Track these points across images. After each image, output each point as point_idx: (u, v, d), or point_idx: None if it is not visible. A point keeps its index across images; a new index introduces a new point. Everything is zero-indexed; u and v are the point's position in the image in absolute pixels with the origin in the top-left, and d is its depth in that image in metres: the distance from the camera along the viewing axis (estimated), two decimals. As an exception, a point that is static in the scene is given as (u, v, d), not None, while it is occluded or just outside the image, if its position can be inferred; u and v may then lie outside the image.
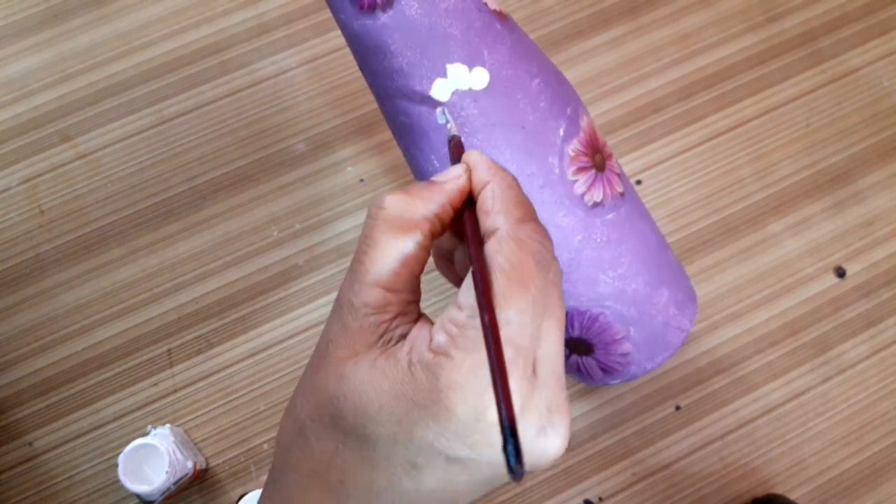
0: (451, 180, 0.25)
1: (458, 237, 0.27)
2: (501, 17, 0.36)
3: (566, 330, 0.41)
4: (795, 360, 0.52)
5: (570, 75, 0.59)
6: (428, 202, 0.24)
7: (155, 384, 0.52)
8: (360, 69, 0.38)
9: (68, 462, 0.50)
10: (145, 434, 0.47)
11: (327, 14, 0.61)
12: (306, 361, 0.52)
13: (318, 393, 0.23)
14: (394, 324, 0.24)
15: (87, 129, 0.58)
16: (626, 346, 0.41)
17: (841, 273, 0.54)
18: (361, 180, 0.57)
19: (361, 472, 0.23)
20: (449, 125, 0.28)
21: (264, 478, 0.50)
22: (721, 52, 0.60)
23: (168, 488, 0.45)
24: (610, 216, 0.38)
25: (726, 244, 0.55)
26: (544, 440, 0.22)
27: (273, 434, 0.51)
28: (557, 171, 0.36)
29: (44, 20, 0.61)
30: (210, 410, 0.52)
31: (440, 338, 0.22)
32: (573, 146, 0.37)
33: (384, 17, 0.34)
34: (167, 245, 0.55)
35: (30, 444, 0.51)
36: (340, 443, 0.23)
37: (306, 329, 0.53)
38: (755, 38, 0.60)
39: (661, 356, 0.41)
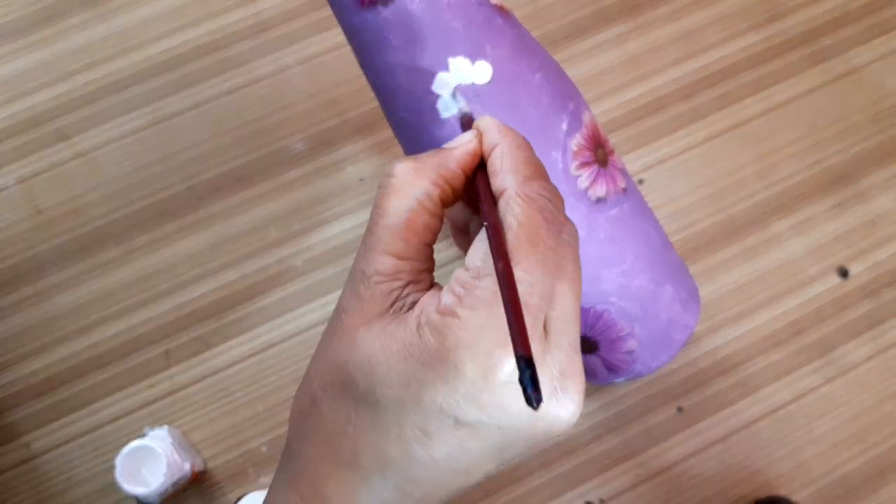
0: (460, 146, 0.24)
1: (473, 207, 0.27)
2: (503, 11, 0.36)
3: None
4: (798, 361, 0.52)
5: (572, 74, 0.59)
6: (438, 168, 0.24)
7: (152, 385, 0.52)
8: (361, 66, 0.37)
9: (65, 464, 0.50)
10: (143, 436, 0.47)
11: (326, 12, 0.61)
12: (306, 362, 0.52)
13: (331, 361, 0.23)
14: (405, 291, 0.23)
15: (84, 129, 0.57)
16: (631, 344, 0.40)
17: (844, 273, 0.54)
18: (361, 180, 0.56)
19: (373, 440, 0.22)
20: (460, 105, 0.27)
21: (263, 479, 0.50)
22: (723, 51, 0.59)
23: (165, 490, 0.45)
24: (613, 212, 0.38)
25: (729, 244, 0.55)
26: (556, 405, 0.21)
27: (272, 436, 0.51)
28: (561, 165, 0.36)
29: (40, 19, 0.60)
30: (208, 412, 0.51)
31: (447, 299, 0.21)
32: (576, 141, 0.37)
33: (385, 12, 0.33)
34: (165, 245, 0.55)
35: (27, 445, 0.50)
36: (353, 411, 0.23)
37: (305, 330, 0.53)
38: (757, 36, 0.60)
39: (666, 354, 0.41)
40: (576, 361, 0.22)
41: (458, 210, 0.27)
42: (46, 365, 0.52)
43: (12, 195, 0.56)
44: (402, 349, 0.21)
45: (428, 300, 0.22)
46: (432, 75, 0.34)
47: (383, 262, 0.23)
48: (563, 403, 0.22)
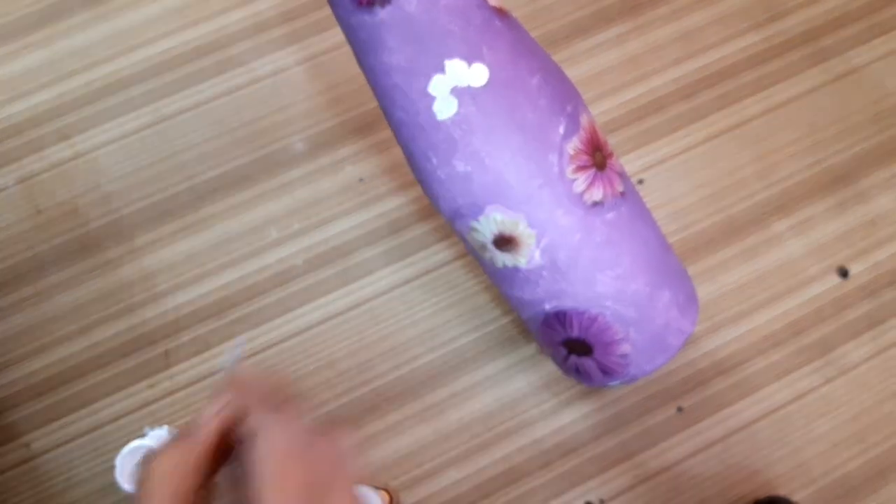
0: (201, 437, 0.25)
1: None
2: (501, 13, 0.36)
3: (567, 329, 0.40)
4: (798, 361, 0.52)
5: (571, 74, 0.59)
6: (189, 456, 0.25)
7: (152, 385, 0.52)
8: (359, 65, 0.37)
9: (65, 464, 0.50)
10: (143, 436, 0.47)
11: (325, 12, 0.61)
12: (304, 362, 0.52)
13: None
14: None
15: (84, 128, 0.58)
16: (626, 348, 0.40)
17: (844, 273, 0.54)
18: (361, 179, 0.56)
19: None
20: (231, 362, 0.28)
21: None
22: (723, 51, 0.59)
23: (165, 490, 0.45)
24: (610, 215, 0.38)
25: (729, 244, 0.55)
26: None
27: (271, 435, 0.51)
28: (556, 169, 0.36)
29: (41, 19, 0.61)
30: (208, 412, 0.51)
31: None
32: (573, 144, 0.37)
33: (382, 13, 0.34)
34: (165, 245, 0.55)
35: (27, 445, 0.51)
36: None
37: (305, 329, 0.53)
38: (757, 36, 0.60)
39: (661, 358, 0.41)
40: None
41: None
42: (46, 365, 0.52)
43: (13, 195, 0.56)
44: None
45: None
46: (428, 77, 0.34)
47: None
48: None
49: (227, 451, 0.26)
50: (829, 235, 0.55)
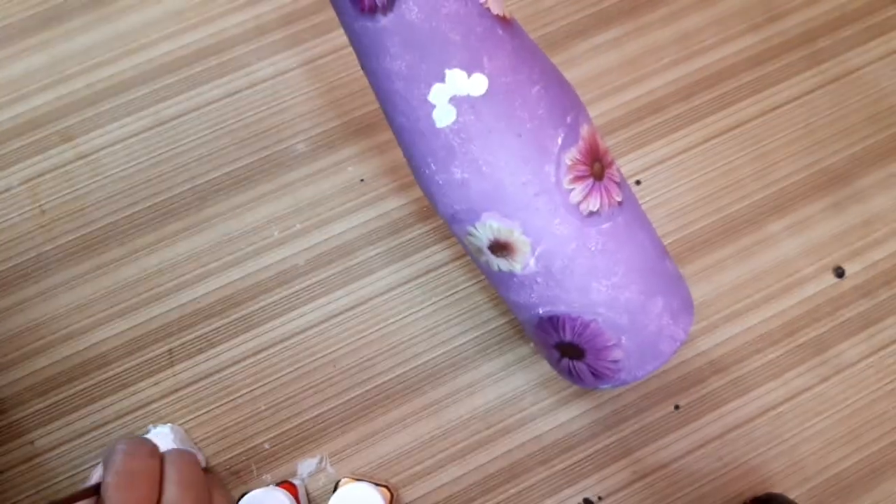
0: None
1: None
2: (504, 22, 0.36)
3: (560, 333, 0.41)
4: (794, 360, 0.53)
5: (570, 75, 0.60)
6: None
7: (156, 383, 0.52)
8: (362, 68, 0.38)
9: (69, 461, 0.51)
10: (146, 433, 0.47)
11: (326, 15, 0.61)
12: (308, 360, 0.52)
13: None
14: None
15: (87, 130, 0.58)
16: (617, 354, 0.40)
17: (840, 273, 0.55)
18: (362, 180, 0.57)
19: None
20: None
21: (266, 477, 0.50)
22: (721, 53, 0.60)
23: (169, 488, 0.45)
24: (606, 225, 0.38)
25: (725, 244, 0.55)
26: None
27: (274, 433, 0.51)
28: (553, 179, 0.36)
29: (43, 21, 0.61)
30: (211, 410, 0.52)
31: None
32: (571, 155, 0.37)
33: (384, 20, 0.34)
34: (168, 245, 0.55)
35: (31, 443, 0.51)
36: None
37: (307, 328, 0.53)
38: (755, 38, 0.60)
39: (653, 364, 0.41)
40: None
41: None
42: (50, 363, 0.53)
43: (17, 195, 0.56)
44: None
45: None
46: (429, 85, 0.35)
47: None
48: None
49: None
50: (825, 235, 0.55)
